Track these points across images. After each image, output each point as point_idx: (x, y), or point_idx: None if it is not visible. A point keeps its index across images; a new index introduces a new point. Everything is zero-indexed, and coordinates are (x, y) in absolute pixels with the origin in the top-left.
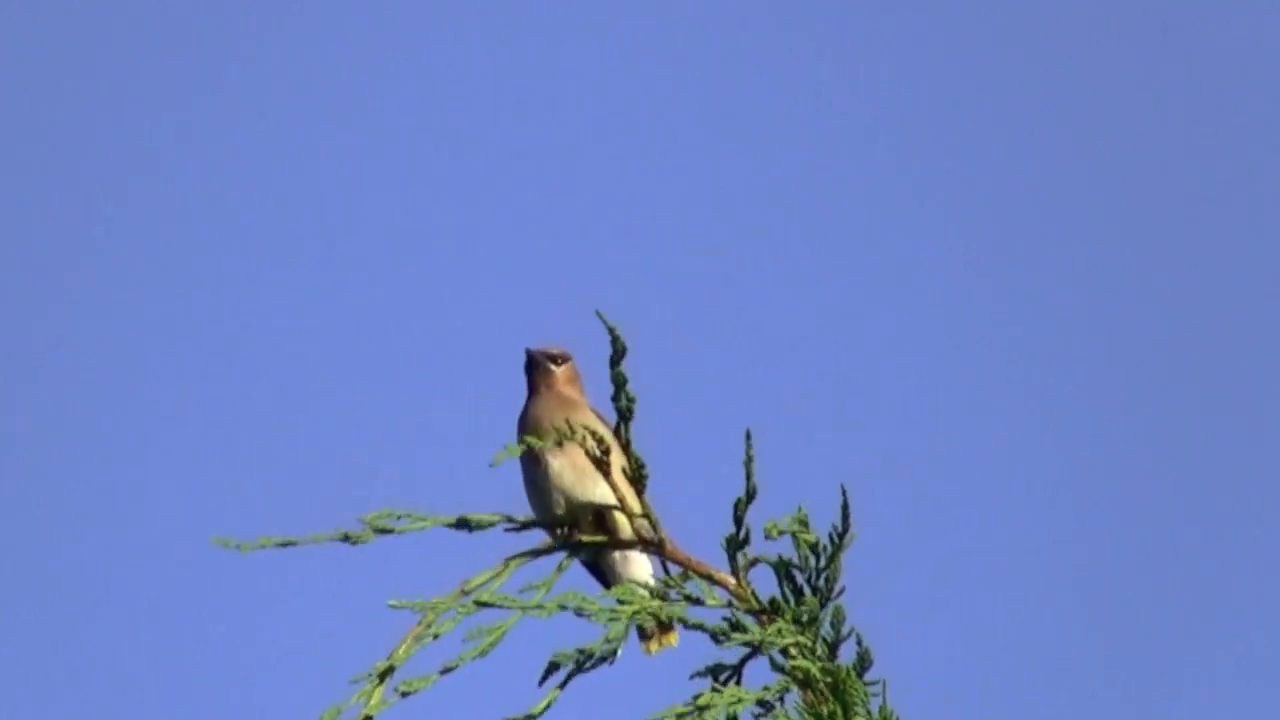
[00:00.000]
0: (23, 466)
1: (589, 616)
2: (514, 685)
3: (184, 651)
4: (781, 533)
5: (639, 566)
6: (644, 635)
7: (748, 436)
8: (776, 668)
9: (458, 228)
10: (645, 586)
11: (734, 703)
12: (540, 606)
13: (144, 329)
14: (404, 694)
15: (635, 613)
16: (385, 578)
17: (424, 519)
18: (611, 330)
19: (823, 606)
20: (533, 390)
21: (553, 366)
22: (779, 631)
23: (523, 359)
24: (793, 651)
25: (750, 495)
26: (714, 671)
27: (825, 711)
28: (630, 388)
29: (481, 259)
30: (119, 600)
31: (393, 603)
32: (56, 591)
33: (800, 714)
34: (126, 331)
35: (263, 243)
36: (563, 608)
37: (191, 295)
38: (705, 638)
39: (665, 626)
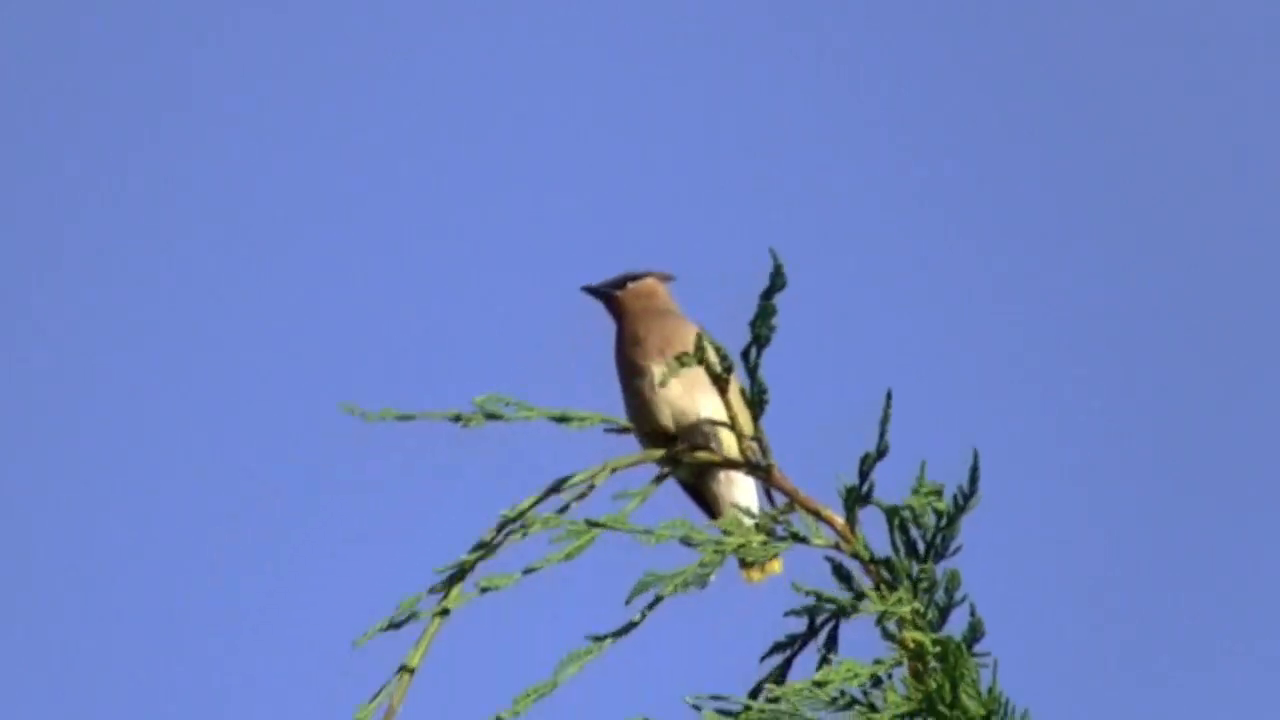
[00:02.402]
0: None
1: (695, 547)
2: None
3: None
4: (925, 497)
5: (742, 490)
6: (745, 563)
7: (888, 396)
8: (887, 635)
9: None
10: (750, 515)
11: (850, 677)
12: (649, 532)
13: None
14: (483, 589)
15: (739, 547)
16: (478, 476)
17: (530, 409)
18: (775, 260)
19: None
20: (617, 322)
21: (616, 292)
22: (899, 600)
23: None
24: (907, 617)
25: (881, 453)
26: (811, 612)
27: (933, 685)
28: (774, 321)
29: None
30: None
31: (508, 513)
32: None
33: (907, 687)
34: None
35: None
36: (670, 535)
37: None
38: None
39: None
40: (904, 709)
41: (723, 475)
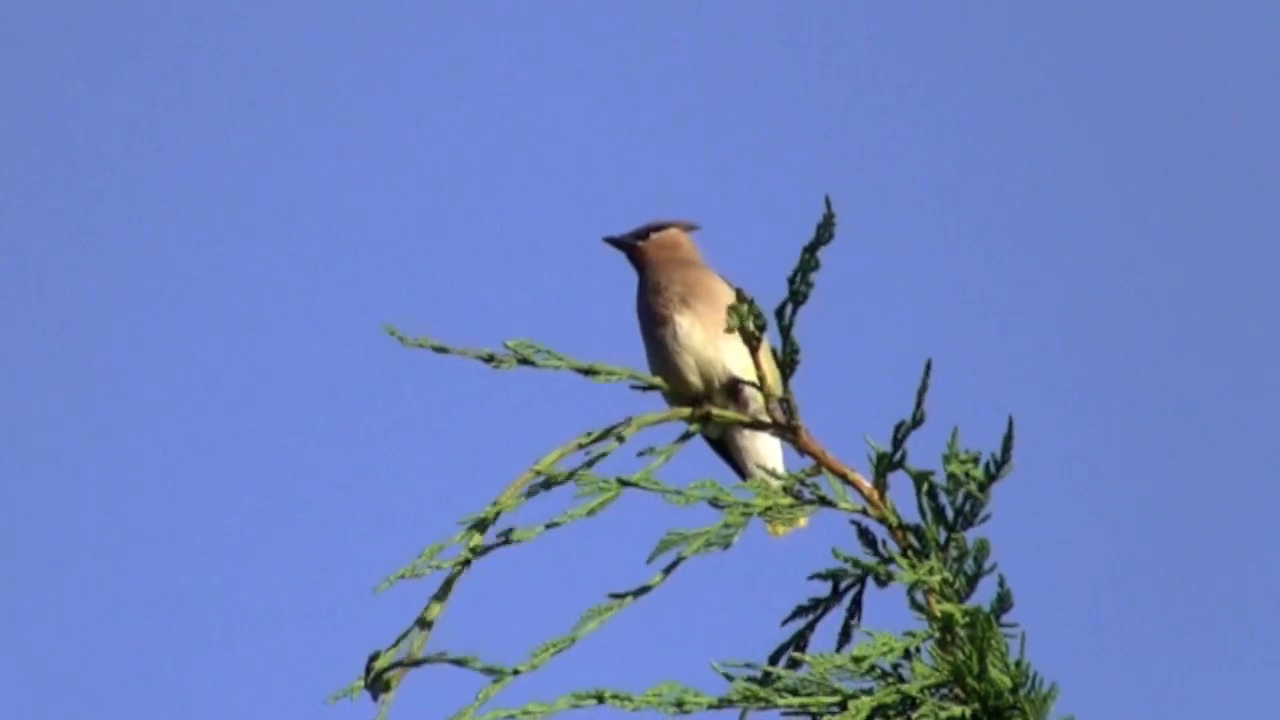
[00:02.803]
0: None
1: (723, 509)
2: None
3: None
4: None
5: (768, 449)
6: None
7: (927, 366)
8: (915, 605)
9: None
10: (775, 476)
11: (885, 652)
12: (679, 493)
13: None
14: (506, 540)
15: (766, 509)
16: (503, 426)
17: (560, 358)
18: (828, 209)
19: (965, 530)
20: (639, 273)
21: (638, 242)
22: (930, 570)
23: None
24: (937, 588)
25: (917, 421)
26: (836, 577)
27: (960, 657)
28: (812, 277)
29: None
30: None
31: (537, 467)
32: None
33: (934, 658)
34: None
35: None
36: (699, 496)
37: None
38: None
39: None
40: (932, 680)
41: (748, 434)
